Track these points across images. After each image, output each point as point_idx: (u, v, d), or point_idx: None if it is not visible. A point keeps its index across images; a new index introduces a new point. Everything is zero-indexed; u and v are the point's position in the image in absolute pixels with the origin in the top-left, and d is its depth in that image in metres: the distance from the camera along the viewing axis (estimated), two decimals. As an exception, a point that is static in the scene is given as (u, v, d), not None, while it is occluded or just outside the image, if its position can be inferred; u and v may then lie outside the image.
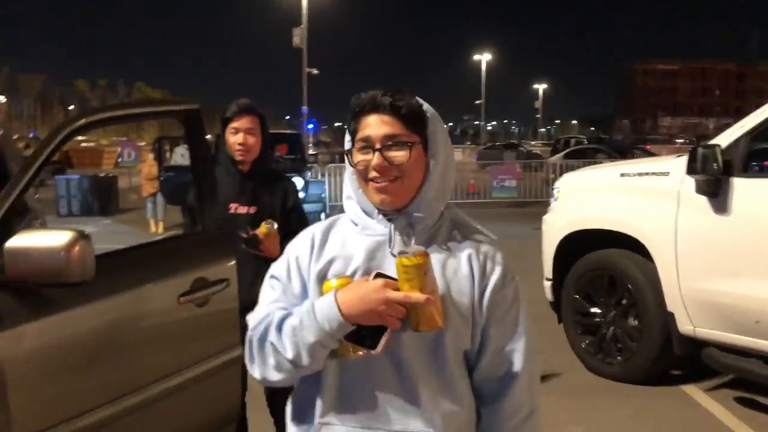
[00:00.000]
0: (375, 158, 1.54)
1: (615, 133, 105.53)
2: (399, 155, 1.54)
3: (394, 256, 1.50)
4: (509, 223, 14.74)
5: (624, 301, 5.20)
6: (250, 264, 3.06)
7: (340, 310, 1.47)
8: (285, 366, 1.54)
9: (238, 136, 3.24)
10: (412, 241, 1.57)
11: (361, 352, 1.51)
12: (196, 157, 3.02)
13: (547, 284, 5.81)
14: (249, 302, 1.97)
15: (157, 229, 13.98)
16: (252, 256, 3.08)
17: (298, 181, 10.75)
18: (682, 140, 61.14)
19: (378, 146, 1.54)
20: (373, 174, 1.55)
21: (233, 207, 3.26)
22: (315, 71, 35.10)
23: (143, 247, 3.02)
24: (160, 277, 2.72)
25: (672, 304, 4.75)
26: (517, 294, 1.61)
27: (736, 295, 4.38)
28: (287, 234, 2.85)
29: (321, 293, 1.55)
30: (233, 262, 2.97)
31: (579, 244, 5.52)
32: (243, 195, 3.27)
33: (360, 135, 1.56)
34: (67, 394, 2.39)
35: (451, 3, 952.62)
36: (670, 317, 4.77)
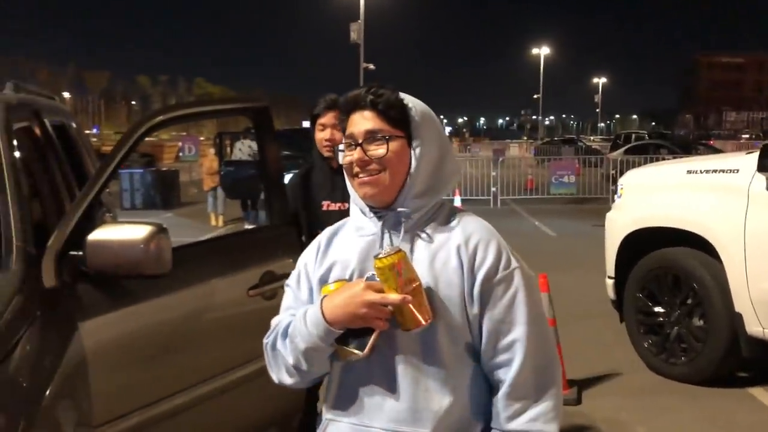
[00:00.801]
0: (356, 153, 1.56)
1: (677, 128, 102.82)
2: (377, 149, 1.55)
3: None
4: (568, 220, 14.56)
5: (689, 301, 5.08)
6: None
7: (323, 315, 1.49)
8: (292, 371, 1.59)
9: (325, 132, 3.25)
10: (399, 238, 1.56)
11: (352, 356, 1.52)
12: (265, 153, 3.08)
13: (610, 282, 5.73)
14: None
15: (217, 223, 14.27)
16: None
17: None
18: (747, 135, 59.29)
19: (359, 141, 1.56)
20: (355, 169, 1.57)
21: (325, 204, 3.27)
22: (372, 66, 35.17)
23: (214, 241, 3.11)
24: (230, 270, 2.80)
25: (740, 304, 4.64)
26: (515, 282, 1.55)
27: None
28: None
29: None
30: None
31: (643, 242, 5.42)
32: (334, 192, 3.27)
33: (346, 133, 1.60)
34: (143, 383, 2.49)
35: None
36: (738, 318, 4.65)
